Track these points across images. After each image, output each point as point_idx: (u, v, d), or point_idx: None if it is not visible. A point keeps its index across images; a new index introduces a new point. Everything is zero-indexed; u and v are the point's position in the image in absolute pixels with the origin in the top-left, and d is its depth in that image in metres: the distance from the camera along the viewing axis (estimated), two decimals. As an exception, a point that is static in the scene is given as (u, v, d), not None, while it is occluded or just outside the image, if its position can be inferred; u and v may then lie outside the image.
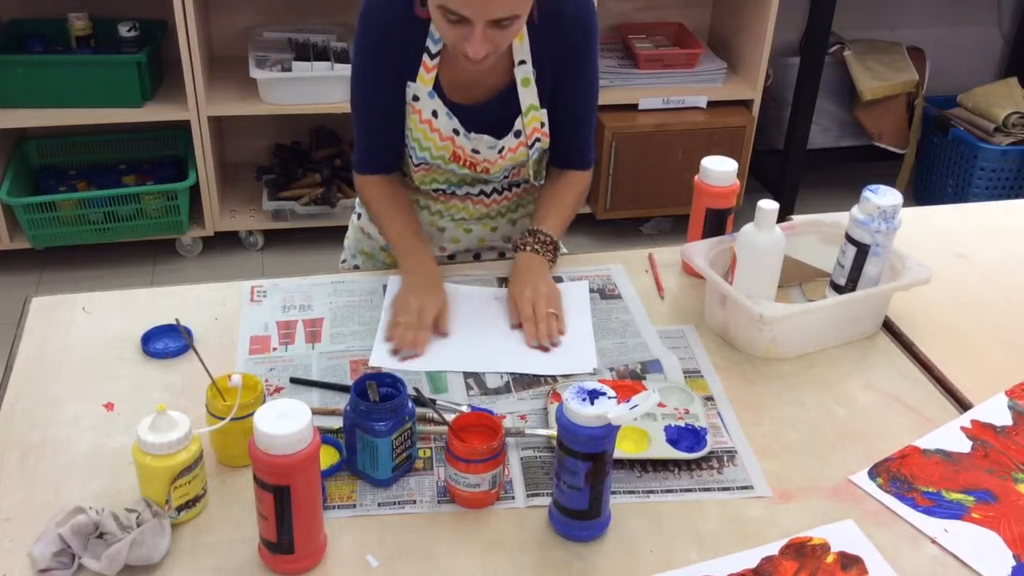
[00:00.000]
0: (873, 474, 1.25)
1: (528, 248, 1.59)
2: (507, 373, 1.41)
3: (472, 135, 1.58)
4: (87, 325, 1.48)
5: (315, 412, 1.30)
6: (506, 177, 1.67)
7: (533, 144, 1.61)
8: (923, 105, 3.67)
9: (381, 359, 1.43)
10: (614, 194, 3.33)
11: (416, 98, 1.57)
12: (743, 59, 3.38)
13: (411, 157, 1.63)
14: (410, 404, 1.20)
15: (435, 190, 1.69)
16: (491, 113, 1.58)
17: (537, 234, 1.61)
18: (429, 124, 1.58)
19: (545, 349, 1.46)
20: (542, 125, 1.61)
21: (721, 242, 1.55)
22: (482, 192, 1.69)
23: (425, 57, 1.54)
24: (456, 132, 1.58)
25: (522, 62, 1.55)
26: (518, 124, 1.59)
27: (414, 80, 1.56)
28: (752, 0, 3.27)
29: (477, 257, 1.79)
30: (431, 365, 1.43)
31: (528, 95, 1.57)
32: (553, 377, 1.41)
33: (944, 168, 3.62)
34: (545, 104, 1.60)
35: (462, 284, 1.61)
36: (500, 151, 1.60)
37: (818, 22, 3.31)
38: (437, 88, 1.56)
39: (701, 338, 1.50)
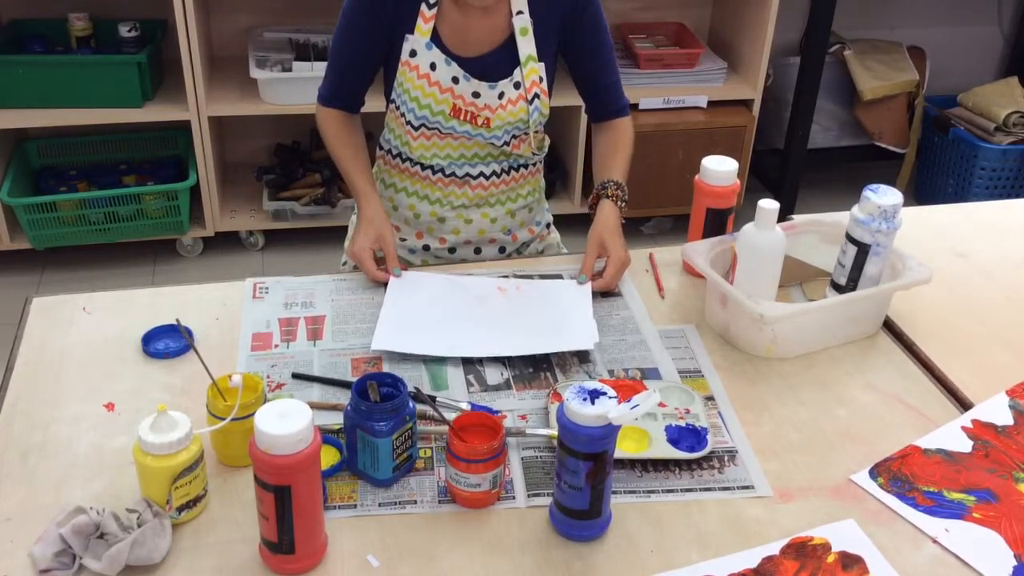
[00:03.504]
0: (874, 474, 1.25)
1: (616, 201, 1.66)
2: (507, 369, 1.42)
3: (472, 80, 1.62)
4: (88, 325, 1.48)
5: (317, 406, 1.31)
6: (507, 144, 1.67)
7: (532, 100, 1.63)
8: (923, 105, 3.67)
9: (383, 342, 1.44)
10: (614, 194, 3.33)
11: (414, 53, 1.60)
12: (743, 59, 3.38)
13: (409, 124, 1.65)
14: (411, 404, 1.20)
15: (435, 169, 1.69)
16: (490, 65, 1.62)
17: (620, 185, 1.67)
18: (427, 78, 1.61)
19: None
20: (541, 80, 1.65)
21: (722, 242, 1.55)
22: (481, 174, 1.70)
23: (423, 7, 1.59)
24: (456, 80, 1.61)
25: (519, 12, 1.60)
26: (517, 75, 1.63)
27: (412, 32, 1.60)
28: (752, 0, 3.27)
29: (478, 251, 1.79)
30: (433, 350, 1.43)
31: (526, 45, 1.62)
32: (553, 374, 1.41)
33: (944, 168, 3.62)
34: (544, 59, 1.64)
35: (464, 276, 1.62)
36: (500, 96, 1.62)
37: (818, 22, 3.31)
38: (436, 40, 1.60)
39: (702, 338, 1.50)
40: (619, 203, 1.66)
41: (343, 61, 1.70)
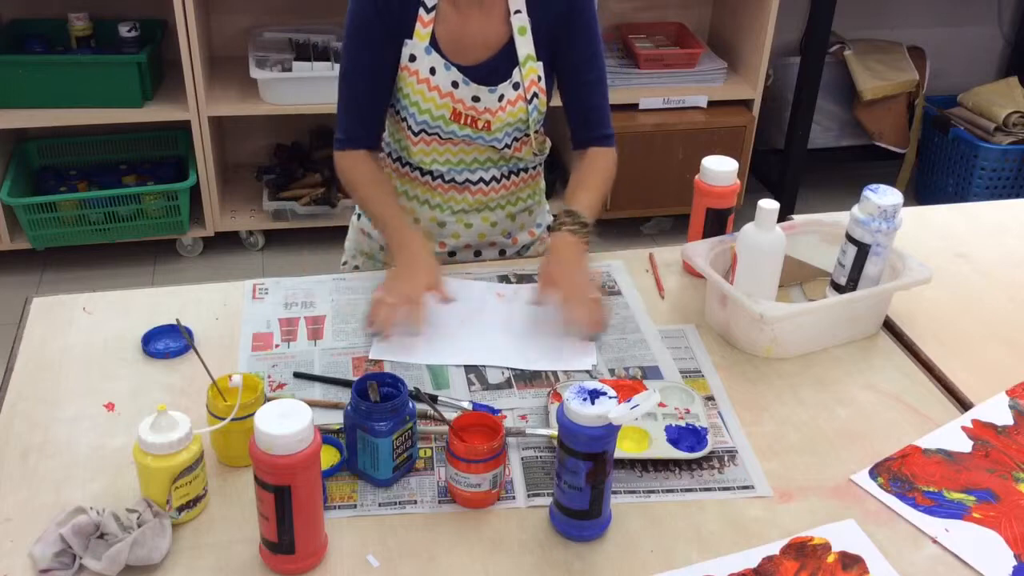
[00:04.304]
0: (874, 474, 1.25)
1: (565, 228, 1.55)
2: (508, 369, 1.41)
3: (472, 84, 1.61)
4: (87, 325, 1.48)
5: (318, 405, 1.31)
6: (507, 147, 1.67)
7: (531, 100, 1.63)
8: (923, 105, 3.67)
9: (382, 351, 1.44)
10: (614, 194, 3.32)
11: (413, 57, 1.60)
12: (743, 59, 3.38)
13: (410, 129, 1.64)
14: (411, 404, 1.20)
15: (435, 174, 1.69)
16: (490, 72, 1.61)
17: (574, 215, 1.57)
18: (427, 83, 1.61)
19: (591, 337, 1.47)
20: (539, 79, 1.64)
21: (722, 242, 1.55)
22: (481, 180, 1.70)
23: (421, 12, 1.58)
24: (455, 85, 1.61)
25: (517, 11, 1.60)
26: (516, 75, 1.62)
27: (411, 37, 1.59)
28: (752, 0, 3.27)
29: (478, 254, 1.79)
30: (431, 358, 1.43)
31: (525, 44, 1.61)
32: (554, 373, 1.41)
33: (944, 168, 3.62)
34: (542, 58, 1.63)
35: (463, 280, 1.61)
36: (500, 99, 1.62)
37: (818, 22, 3.31)
38: (434, 44, 1.60)
39: (702, 338, 1.50)
40: (569, 230, 1.54)
41: (363, 81, 1.63)
